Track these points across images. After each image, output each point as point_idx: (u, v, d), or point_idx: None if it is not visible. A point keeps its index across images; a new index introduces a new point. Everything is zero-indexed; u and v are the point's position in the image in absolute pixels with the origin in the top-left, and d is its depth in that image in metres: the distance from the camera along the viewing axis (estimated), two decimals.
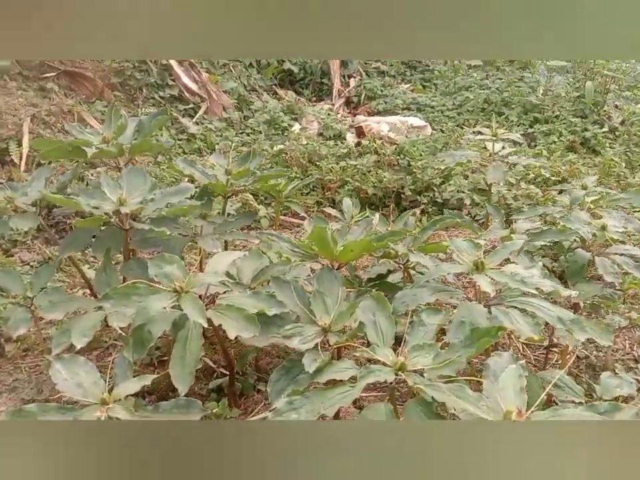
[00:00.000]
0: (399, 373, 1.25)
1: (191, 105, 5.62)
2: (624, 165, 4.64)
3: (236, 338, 2.37)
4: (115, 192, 2.11)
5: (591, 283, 2.20)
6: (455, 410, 1.08)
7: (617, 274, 2.13)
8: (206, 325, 1.47)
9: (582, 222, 2.30)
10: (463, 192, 4.04)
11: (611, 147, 5.06)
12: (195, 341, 1.55)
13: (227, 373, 2.08)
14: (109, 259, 2.15)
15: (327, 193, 4.24)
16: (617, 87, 6.27)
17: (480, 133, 2.88)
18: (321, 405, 1.23)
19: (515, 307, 1.63)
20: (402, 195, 4.12)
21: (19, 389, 2.20)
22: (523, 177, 4.25)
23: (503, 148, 3.00)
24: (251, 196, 3.65)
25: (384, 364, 1.28)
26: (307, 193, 4.31)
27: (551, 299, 1.94)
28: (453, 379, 1.10)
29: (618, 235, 2.22)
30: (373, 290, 1.67)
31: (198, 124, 5.45)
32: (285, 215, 3.89)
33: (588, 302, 2.28)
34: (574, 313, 1.86)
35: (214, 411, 1.83)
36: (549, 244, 2.44)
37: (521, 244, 1.78)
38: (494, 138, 2.82)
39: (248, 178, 2.44)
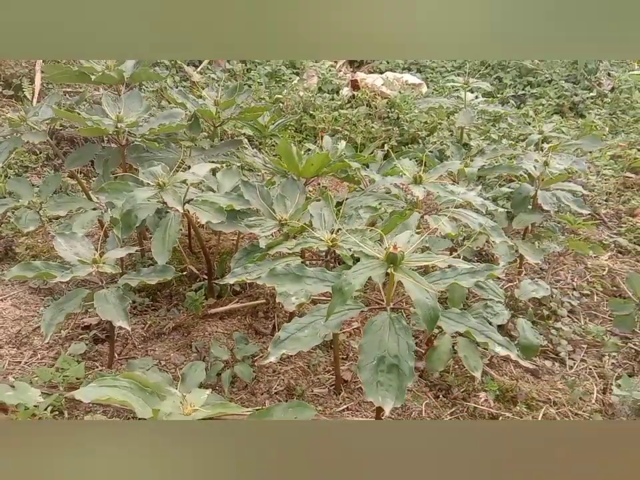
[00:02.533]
0: (332, 246, 1.56)
1: None
2: (608, 129, 4.84)
3: (217, 243, 2.69)
4: (114, 111, 2.40)
5: (532, 212, 2.48)
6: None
7: (554, 204, 2.40)
8: (181, 210, 1.77)
9: (532, 160, 2.57)
10: (446, 145, 4.28)
11: (597, 112, 5.25)
12: (173, 227, 1.85)
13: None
14: (107, 171, 2.45)
15: (318, 141, 4.50)
16: None
17: (453, 81, 3.12)
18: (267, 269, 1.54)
19: (445, 215, 1.92)
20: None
21: (28, 282, 2.54)
22: (505, 134, 4.49)
23: (477, 97, 3.26)
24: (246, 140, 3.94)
25: (321, 239, 1.58)
26: (300, 141, 4.58)
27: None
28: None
29: (559, 172, 2.48)
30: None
31: (201, 73, 5.69)
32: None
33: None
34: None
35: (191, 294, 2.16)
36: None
37: (458, 165, 2.05)
38: (465, 86, 3.07)
39: (235, 109, 2.72)
